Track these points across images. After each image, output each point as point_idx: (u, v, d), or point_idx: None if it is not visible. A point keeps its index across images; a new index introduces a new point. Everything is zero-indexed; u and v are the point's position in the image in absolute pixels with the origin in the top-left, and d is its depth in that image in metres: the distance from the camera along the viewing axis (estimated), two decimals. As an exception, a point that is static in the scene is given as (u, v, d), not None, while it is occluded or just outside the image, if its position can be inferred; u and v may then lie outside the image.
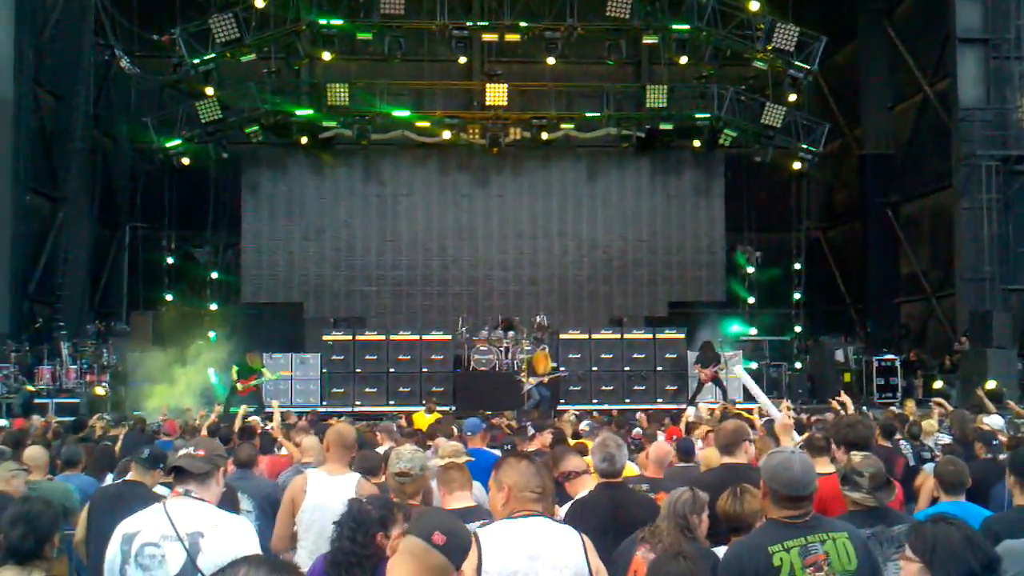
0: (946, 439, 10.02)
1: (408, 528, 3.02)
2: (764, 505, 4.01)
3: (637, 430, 11.25)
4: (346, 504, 4.32)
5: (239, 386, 18.96)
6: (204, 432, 10.36)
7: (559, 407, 18.99)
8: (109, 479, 7.58)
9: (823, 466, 5.84)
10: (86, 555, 5.99)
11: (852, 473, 4.71)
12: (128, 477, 6.33)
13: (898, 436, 9.41)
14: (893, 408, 15.89)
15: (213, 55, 22.82)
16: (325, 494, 5.52)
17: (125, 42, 23.83)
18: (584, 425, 11.45)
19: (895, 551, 4.33)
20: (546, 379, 19.85)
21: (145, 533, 4.01)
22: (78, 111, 23.43)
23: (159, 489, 5.97)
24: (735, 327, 25.51)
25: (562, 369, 21.05)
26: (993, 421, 10.70)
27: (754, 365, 23.50)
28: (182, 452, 4.34)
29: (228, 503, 5.07)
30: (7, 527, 4.01)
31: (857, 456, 4.85)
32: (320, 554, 4.40)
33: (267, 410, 15.70)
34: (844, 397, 10.95)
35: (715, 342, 21.75)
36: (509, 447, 8.52)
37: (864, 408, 17.46)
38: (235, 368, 19.51)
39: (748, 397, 20.99)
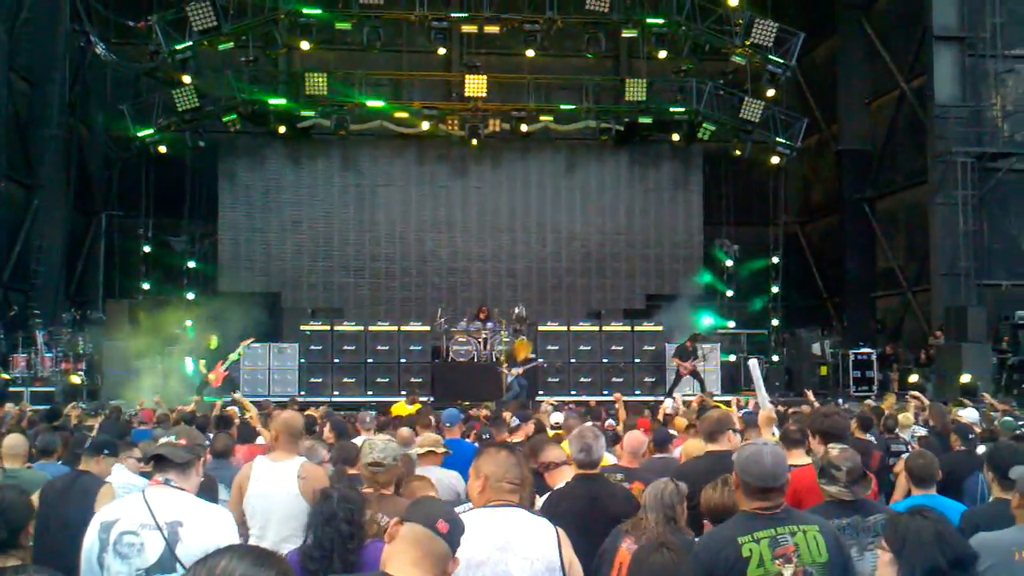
0: (922, 432, 10.09)
1: (409, 515, 3.02)
2: (737, 496, 4.03)
3: (610, 421, 11.22)
4: (326, 491, 4.30)
5: (211, 377, 18.89)
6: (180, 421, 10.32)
7: (537, 398, 19.00)
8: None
9: (798, 458, 5.89)
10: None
11: (829, 467, 4.73)
12: (79, 467, 6.29)
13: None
14: (869, 401, 16.00)
15: (190, 43, 22.60)
16: (267, 480, 5.70)
17: (101, 29, 23.66)
18: (559, 417, 11.32)
19: (871, 540, 4.37)
20: (522, 370, 19.88)
21: (124, 521, 3.99)
22: (53, 98, 23.27)
23: (114, 476, 5.91)
24: (707, 319, 25.56)
25: (540, 360, 21.07)
26: (967, 414, 10.82)
27: (732, 358, 23.65)
28: (163, 440, 4.32)
29: (206, 492, 5.05)
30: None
31: (834, 450, 4.87)
32: (292, 549, 4.36)
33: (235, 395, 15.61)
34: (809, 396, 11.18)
35: (686, 335, 21.78)
36: (486, 437, 8.51)
37: (840, 401, 17.58)
38: (203, 362, 19.45)
39: (725, 390, 21.20)
